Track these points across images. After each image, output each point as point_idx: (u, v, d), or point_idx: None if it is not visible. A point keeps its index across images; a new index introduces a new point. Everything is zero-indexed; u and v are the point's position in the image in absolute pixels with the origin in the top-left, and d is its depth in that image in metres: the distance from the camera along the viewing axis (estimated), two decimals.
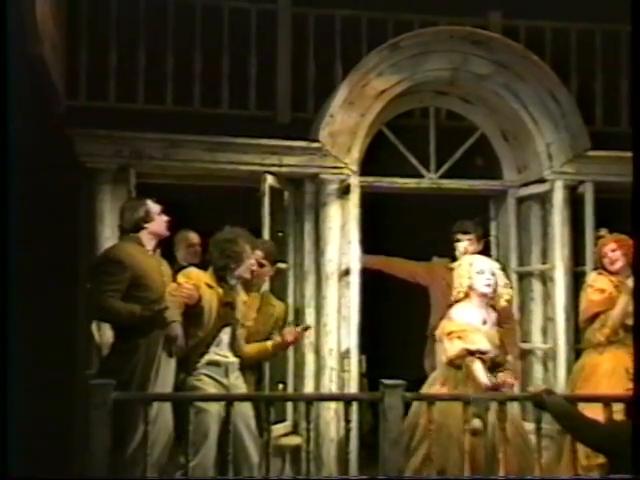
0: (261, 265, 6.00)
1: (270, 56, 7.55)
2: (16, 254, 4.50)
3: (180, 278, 5.55)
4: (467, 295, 5.88)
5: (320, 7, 7.59)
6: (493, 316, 5.92)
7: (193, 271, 5.69)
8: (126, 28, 7.33)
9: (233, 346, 5.65)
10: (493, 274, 5.90)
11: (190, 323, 5.47)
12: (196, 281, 5.51)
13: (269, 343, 5.90)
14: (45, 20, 5.81)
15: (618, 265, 6.21)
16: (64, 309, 6.62)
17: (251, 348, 5.81)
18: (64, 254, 6.63)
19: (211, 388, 5.47)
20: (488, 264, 5.99)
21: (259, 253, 5.93)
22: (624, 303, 5.93)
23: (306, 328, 6.21)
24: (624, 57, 7.88)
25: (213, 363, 5.56)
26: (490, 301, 5.88)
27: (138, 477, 4.66)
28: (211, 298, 5.56)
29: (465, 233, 6.71)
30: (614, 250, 6.23)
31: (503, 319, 6.39)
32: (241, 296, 5.78)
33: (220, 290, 5.60)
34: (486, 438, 5.39)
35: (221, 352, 5.61)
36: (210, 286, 5.56)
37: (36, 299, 5.84)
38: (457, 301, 5.90)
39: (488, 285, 5.85)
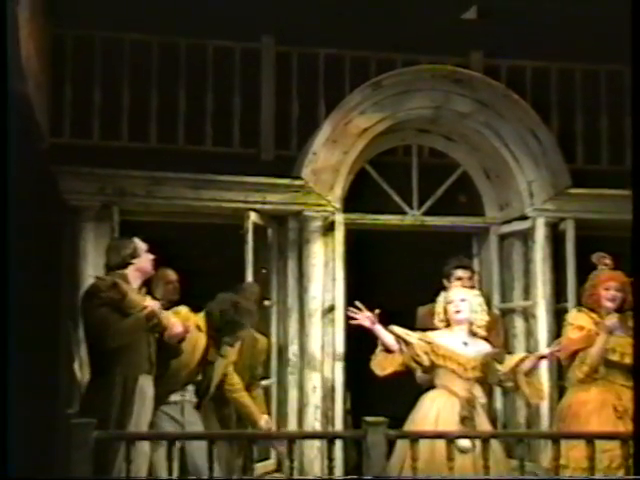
0: None
1: (254, 94, 7.59)
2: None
3: (170, 315, 5.55)
4: (448, 325, 5.98)
5: (303, 46, 7.65)
6: (481, 344, 5.97)
7: (183, 310, 5.71)
8: (110, 66, 7.36)
9: (200, 389, 5.70)
10: (463, 300, 5.97)
11: (170, 356, 5.49)
12: (184, 320, 5.51)
13: (262, 418, 5.92)
14: (29, 58, 5.84)
15: (614, 304, 6.01)
16: (46, 346, 6.58)
17: (244, 400, 5.85)
18: (47, 291, 6.61)
19: (167, 425, 5.49)
20: (458, 294, 6.05)
21: None
22: (602, 341, 5.92)
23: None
24: (604, 96, 7.98)
25: (172, 402, 5.61)
26: (471, 327, 5.95)
27: (134, 477, 4.62)
28: (197, 340, 5.58)
29: (465, 269, 6.69)
30: (618, 289, 6.01)
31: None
32: (228, 358, 5.80)
33: (206, 338, 5.63)
34: (475, 455, 5.39)
35: (185, 394, 5.66)
36: (199, 329, 5.59)
37: (18, 336, 5.81)
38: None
39: (458, 312, 5.93)
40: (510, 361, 6.04)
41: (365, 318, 5.86)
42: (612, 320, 5.89)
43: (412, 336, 5.89)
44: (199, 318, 5.66)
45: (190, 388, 5.69)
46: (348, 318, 6.16)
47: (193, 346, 5.58)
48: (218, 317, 5.60)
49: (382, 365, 5.88)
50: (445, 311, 5.98)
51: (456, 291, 6.13)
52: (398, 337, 5.87)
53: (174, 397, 5.63)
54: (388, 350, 5.87)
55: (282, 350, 7.07)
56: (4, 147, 4.45)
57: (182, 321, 5.49)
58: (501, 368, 6.00)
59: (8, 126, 4.50)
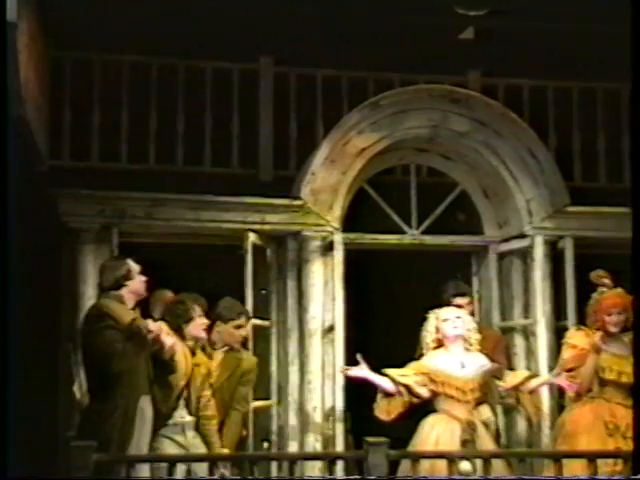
0: (239, 327, 6.13)
1: (252, 115, 7.61)
2: None
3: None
4: (441, 344, 6.00)
5: (301, 66, 7.68)
6: (478, 359, 5.99)
7: (164, 325, 5.74)
8: (109, 88, 7.39)
9: (189, 407, 5.69)
10: (458, 317, 6.01)
11: (168, 372, 5.50)
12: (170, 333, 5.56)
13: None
14: (28, 81, 5.87)
15: (619, 328, 5.99)
16: (46, 368, 6.58)
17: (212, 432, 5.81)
18: (47, 314, 6.61)
19: (171, 449, 5.47)
20: (452, 312, 6.11)
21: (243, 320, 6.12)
22: (591, 360, 5.93)
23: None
24: (601, 114, 8.01)
25: (172, 424, 5.59)
26: (466, 345, 5.97)
27: (136, 477, 4.61)
28: (184, 354, 5.63)
29: (463, 295, 6.68)
30: (620, 312, 6.00)
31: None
32: (199, 357, 5.82)
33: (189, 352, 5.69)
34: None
35: (180, 413, 5.66)
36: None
37: (18, 358, 5.80)
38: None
39: (455, 327, 5.96)
40: (514, 378, 6.05)
41: (357, 369, 5.87)
42: (596, 339, 5.90)
43: (407, 376, 5.87)
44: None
45: (184, 408, 5.71)
46: (348, 340, 6.16)
47: (184, 356, 5.64)
48: (170, 317, 5.71)
49: (387, 410, 5.87)
50: (437, 330, 6.01)
51: (449, 310, 6.16)
52: (395, 381, 5.85)
53: (172, 419, 5.62)
54: (387, 394, 5.87)
55: (282, 370, 7.06)
56: (4, 171, 4.47)
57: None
58: (502, 384, 6.01)
59: (8, 150, 4.52)
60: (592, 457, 4.81)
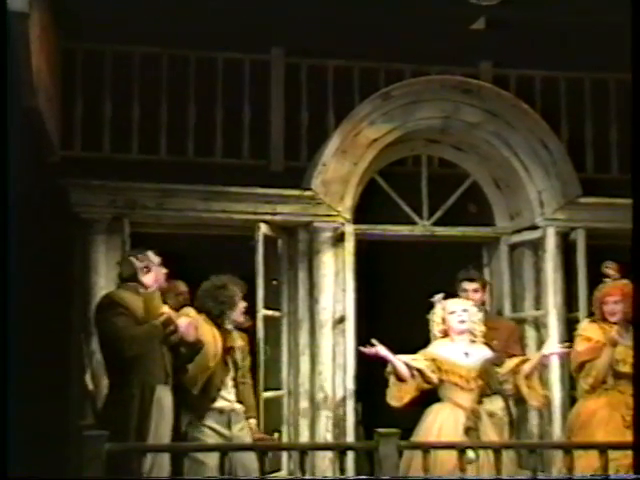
0: None
1: (263, 106, 7.61)
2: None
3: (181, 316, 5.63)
4: (447, 335, 6.06)
5: (313, 57, 7.67)
6: (481, 350, 6.02)
7: (191, 311, 5.81)
8: (120, 79, 7.39)
9: (237, 389, 5.81)
10: (465, 311, 6.04)
11: (195, 365, 5.56)
12: (195, 318, 5.60)
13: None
14: (40, 72, 5.88)
15: (617, 317, 6.07)
16: (57, 359, 6.60)
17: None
18: (58, 304, 6.63)
19: (211, 440, 5.49)
20: (459, 304, 6.14)
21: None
22: (607, 354, 5.92)
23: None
24: (613, 104, 7.98)
25: (217, 410, 5.64)
26: (471, 337, 6.01)
27: (139, 477, 4.63)
28: (212, 335, 5.69)
29: (471, 281, 6.69)
30: (617, 302, 6.08)
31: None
32: (238, 341, 5.90)
33: (219, 334, 5.77)
34: (478, 466, 5.40)
35: (226, 395, 5.72)
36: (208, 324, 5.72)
37: (29, 348, 5.83)
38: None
39: (462, 322, 5.99)
40: (510, 362, 6.08)
41: (380, 347, 5.89)
42: (613, 333, 5.91)
43: (419, 360, 5.92)
44: (203, 317, 5.82)
45: (232, 390, 5.76)
46: (358, 331, 6.16)
47: (213, 336, 5.70)
48: (212, 302, 5.83)
49: (399, 396, 5.92)
50: (444, 321, 6.04)
51: (456, 302, 6.18)
52: (408, 365, 5.90)
53: (219, 403, 5.67)
54: (400, 379, 5.90)
55: (293, 361, 7.07)
56: (5, 158, 4.48)
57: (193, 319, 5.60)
58: (500, 370, 6.04)
59: (8, 141, 4.53)
60: (603, 448, 4.81)
